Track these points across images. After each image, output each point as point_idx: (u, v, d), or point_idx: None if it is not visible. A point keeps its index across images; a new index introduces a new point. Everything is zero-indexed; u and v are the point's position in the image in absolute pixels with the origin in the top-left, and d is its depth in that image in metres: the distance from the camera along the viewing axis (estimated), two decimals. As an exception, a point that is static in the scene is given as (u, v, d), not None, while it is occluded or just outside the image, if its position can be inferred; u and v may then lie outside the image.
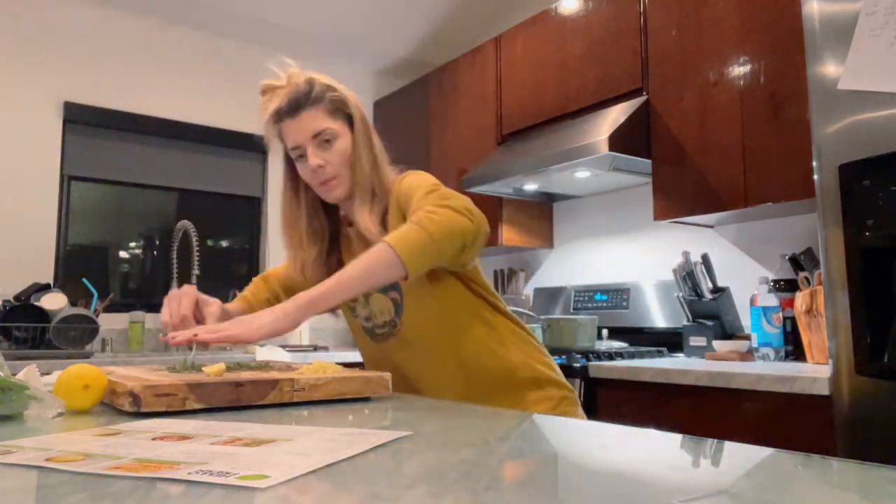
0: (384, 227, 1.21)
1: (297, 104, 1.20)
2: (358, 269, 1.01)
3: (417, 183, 1.17)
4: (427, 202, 1.08)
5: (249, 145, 3.45)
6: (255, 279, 1.45)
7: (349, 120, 1.24)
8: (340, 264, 1.22)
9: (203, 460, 0.50)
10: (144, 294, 3.20)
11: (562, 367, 2.07)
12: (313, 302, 0.99)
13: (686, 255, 2.27)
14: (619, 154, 2.22)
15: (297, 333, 3.15)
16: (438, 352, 1.21)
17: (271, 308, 1.00)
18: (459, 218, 1.05)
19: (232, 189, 3.44)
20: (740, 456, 0.57)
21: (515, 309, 2.53)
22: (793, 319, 1.99)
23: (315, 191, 1.26)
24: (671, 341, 2.42)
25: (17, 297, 2.51)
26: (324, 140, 1.20)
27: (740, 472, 0.51)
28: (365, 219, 1.20)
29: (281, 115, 1.20)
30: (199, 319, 1.21)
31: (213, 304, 1.23)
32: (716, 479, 0.49)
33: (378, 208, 1.23)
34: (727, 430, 1.66)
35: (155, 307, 3.12)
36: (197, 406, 0.79)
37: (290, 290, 1.36)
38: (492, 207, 2.93)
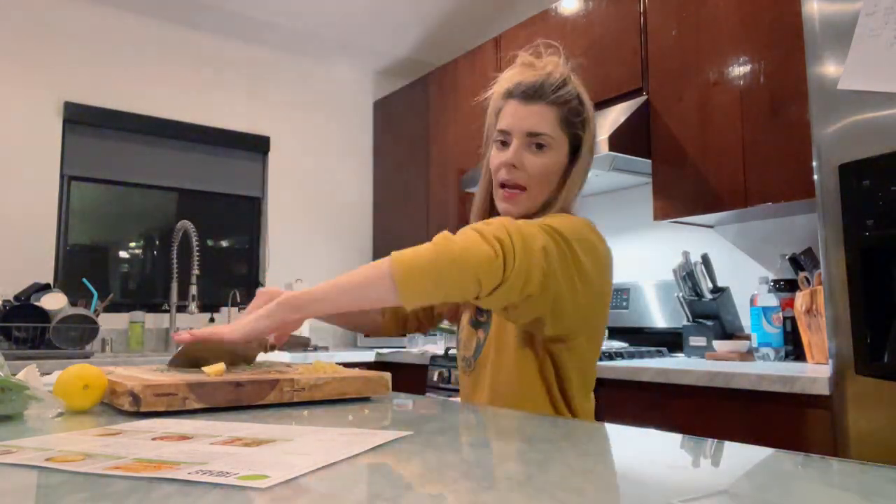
0: None
1: (537, 92, 1.06)
2: (349, 280, 0.89)
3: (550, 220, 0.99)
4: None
5: (249, 145, 3.46)
6: None
7: (575, 141, 1.09)
8: None
9: (203, 460, 0.50)
10: (144, 294, 3.20)
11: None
12: (298, 304, 0.90)
13: (686, 255, 2.27)
14: (619, 154, 2.22)
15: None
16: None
17: (261, 309, 0.93)
18: (480, 246, 0.84)
19: (232, 189, 3.44)
20: (740, 456, 0.57)
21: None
22: (793, 319, 1.99)
23: (493, 190, 1.11)
24: (671, 341, 2.42)
25: (17, 297, 2.51)
26: (535, 144, 1.06)
27: (740, 472, 0.51)
28: None
29: (513, 94, 1.08)
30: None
31: None
32: (716, 479, 0.49)
33: None
34: (727, 430, 1.66)
35: (155, 307, 3.13)
36: (197, 406, 0.79)
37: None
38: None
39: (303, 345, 1.19)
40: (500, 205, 1.10)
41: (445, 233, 0.89)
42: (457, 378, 2.49)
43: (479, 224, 0.90)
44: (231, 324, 0.94)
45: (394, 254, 0.87)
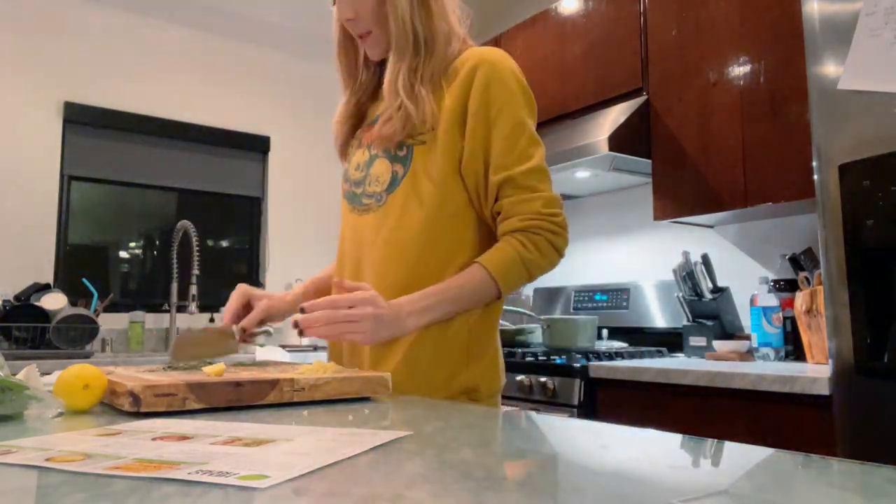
0: (435, 92, 1.07)
1: None
2: (461, 293, 1.01)
3: (508, 116, 1.04)
4: (536, 211, 1.03)
5: (249, 145, 3.46)
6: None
7: None
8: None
9: (203, 460, 0.50)
10: (144, 294, 3.20)
11: (562, 367, 2.06)
12: (423, 314, 1.01)
13: (686, 255, 2.27)
14: (619, 154, 2.22)
15: (296, 333, 3.14)
16: (399, 262, 1.07)
17: (390, 316, 0.97)
18: (555, 259, 1.06)
19: (232, 189, 3.44)
20: (740, 456, 0.57)
21: (516, 309, 2.53)
22: (793, 319, 1.99)
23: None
24: (671, 341, 2.42)
25: (17, 297, 2.52)
26: None
27: (740, 472, 0.51)
28: (395, 75, 1.06)
29: None
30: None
31: (262, 298, 1.21)
32: (716, 479, 0.49)
33: (428, 69, 1.07)
34: (727, 430, 1.66)
35: (155, 307, 3.13)
36: (197, 406, 0.79)
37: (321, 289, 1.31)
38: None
39: (265, 333, 1.25)
40: (369, 53, 1.14)
41: (531, 252, 1.03)
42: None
43: (552, 236, 1.04)
44: (364, 330, 0.97)
45: (493, 272, 1.02)
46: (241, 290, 1.20)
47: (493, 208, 1.06)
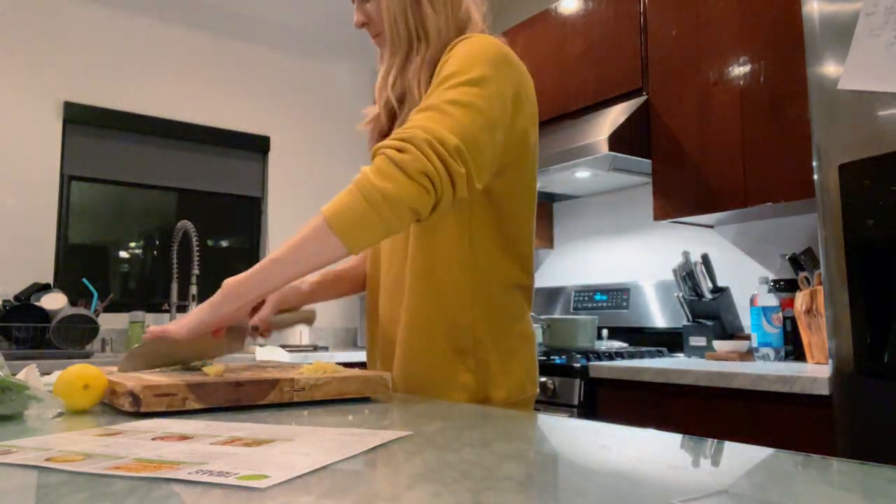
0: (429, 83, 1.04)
1: None
2: (289, 251, 0.89)
3: (452, 65, 0.97)
4: (391, 136, 0.91)
5: (249, 145, 3.46)
6: None
7: None
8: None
9: (203, 460, 0.50)
10: (144, 294, 3.20)
11: (562, 367, 2.06)
12: (241, 291, 0.91)
13: (686, 255, 2.27)
14: (619, 154, 2.22)
15: (297, 333, 3.15)
16: (416, 251, 1.08)
17: (205, 302, 0.94)
18: (411, 189, 0.86)
19: (232, 189, 3.44)
20: (740, 456, 0.57)
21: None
22: (793, 319, 1.99)
23: None
24: (671, 341, 2.42)
25: (17, 297, 2.51)
26: None
27: (740, 472, 0.50)
28: (386, 72, 1.08)
29: None
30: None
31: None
32: (716, 479, 0.49)
33: (425, 64, 1.06)
34: (727, 430, 1.66)
35: (155, 307, 3.13)
36: (197, 406, 0.79)
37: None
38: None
39: (307, 320, 1.19)
40: (382, 53, 1.15)
41: (367, 175, 0.87)
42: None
43: (394, 152, 0.87)
44: (179, 320, 0.94)
45: (325, 211, 0.87)
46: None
47: None
